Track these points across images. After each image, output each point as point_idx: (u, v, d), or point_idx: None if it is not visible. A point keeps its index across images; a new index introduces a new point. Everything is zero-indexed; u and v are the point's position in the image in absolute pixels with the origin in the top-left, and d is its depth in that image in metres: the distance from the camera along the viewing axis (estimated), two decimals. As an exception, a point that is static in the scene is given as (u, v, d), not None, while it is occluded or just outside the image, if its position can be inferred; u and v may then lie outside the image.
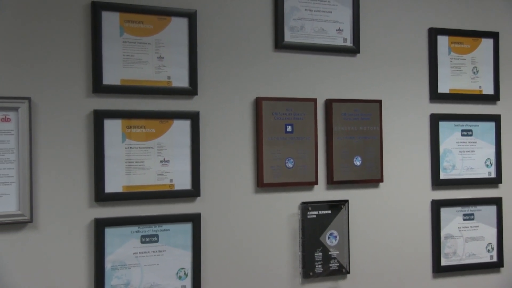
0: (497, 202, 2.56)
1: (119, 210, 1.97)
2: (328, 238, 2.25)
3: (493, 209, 2.56)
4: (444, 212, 2.47)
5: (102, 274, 1.92)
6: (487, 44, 2.57)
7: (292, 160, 2.20)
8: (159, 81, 2.03)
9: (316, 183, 2.25)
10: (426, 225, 2.45)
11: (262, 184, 2.16)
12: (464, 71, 2.52)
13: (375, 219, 2.37)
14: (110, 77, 1.95)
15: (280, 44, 2.20)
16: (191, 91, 2.06)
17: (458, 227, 2.50)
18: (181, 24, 2.05)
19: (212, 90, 2.12)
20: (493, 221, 2.55)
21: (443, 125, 2.48)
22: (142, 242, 1.99)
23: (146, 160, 2.00)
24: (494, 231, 2.55)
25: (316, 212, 2.23)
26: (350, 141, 2.30)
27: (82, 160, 1.93)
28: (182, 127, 2.05)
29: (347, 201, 2.29)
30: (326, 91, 2.30)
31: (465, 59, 2.52)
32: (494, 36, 2.58)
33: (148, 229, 1.99)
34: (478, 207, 2.53)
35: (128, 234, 1.97)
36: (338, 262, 2.26)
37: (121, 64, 1.97)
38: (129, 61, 1.99)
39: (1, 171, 1.81)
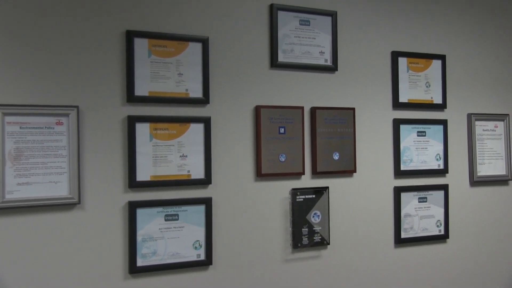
0: (444, 188, 2.59)
1: (147, 194, 1.97)
2: (313, 217, 2.27)
3: (441, 193, 2.58)
4: (404, 196, 2.49)
5: (135, 245, 1.94)
6: (436, 64, 2.59)
7: (284, 155, 2.22)
8: (179, 92, 2.03)
9: (303, 173, 2.26)
10: (389, 206, 2.47)
11: (260, 174, 2.17)
12: (419, 85, 2.54)
13: (349, 202, 2.38)
14: (140, 90, 1.96)
15: (274, 63, 2.22)
16: (204, 100, 2.07)
17: (414, 208, 2.52)
18: (196, 48, 2.06)
19: (221, 99, 2.13)
20: (441, 203, 2.58)
21: (403, 128, 2.50)
22: (165, 220, 1.99)
23: (169, 155, 2.01)
24: (442, 210, 2.58)
25: (303, 196, 2.25)
26: (330, 140, 2.32)
27: (118, 155, 1.94)
28: (197, 129, 2.05)
29: (327, 187, 2.31)
30: (311, 101, 2.31)
31: (420, 76, 2.55)
32: (442, 58, 2.60)
33: (170, 210, 2.00)
34: (430, 192, 2.55)
35: (154, 214, 1.98)
36: (321, 235, 2.29)
37: (149, 79, 1.97)
38: (155, 77, 1.99)
39: (56, 164, 1.83)
